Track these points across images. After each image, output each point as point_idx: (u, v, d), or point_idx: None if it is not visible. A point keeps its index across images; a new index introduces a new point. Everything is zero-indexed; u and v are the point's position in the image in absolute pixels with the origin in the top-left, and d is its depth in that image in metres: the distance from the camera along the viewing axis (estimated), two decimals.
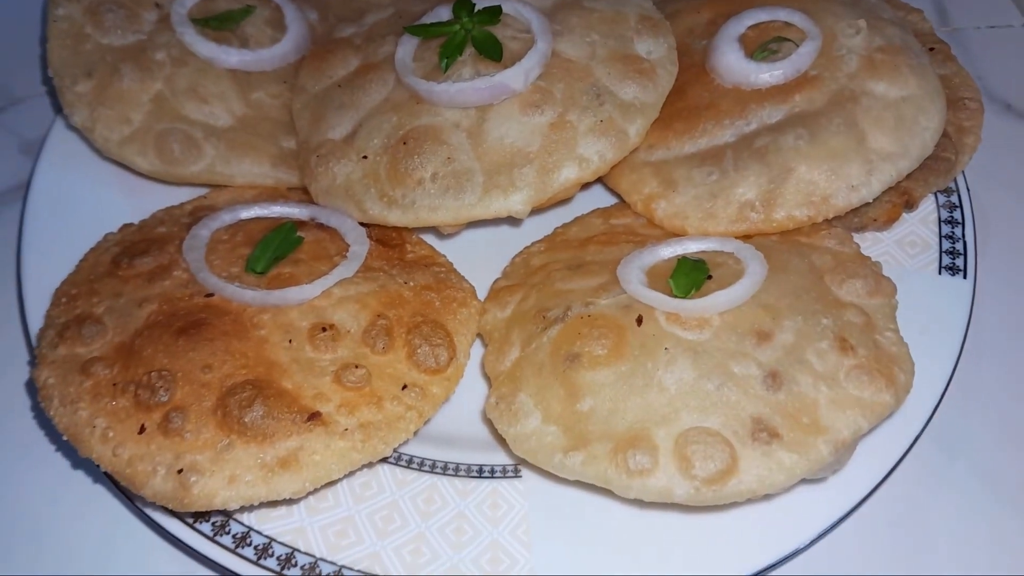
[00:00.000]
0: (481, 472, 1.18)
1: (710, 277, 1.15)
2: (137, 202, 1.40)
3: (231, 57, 1.42)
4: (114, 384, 1.07)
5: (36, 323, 1.25)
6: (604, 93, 1.27)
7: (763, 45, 1.33)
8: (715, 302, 1.10)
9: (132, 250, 1.22)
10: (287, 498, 1.04)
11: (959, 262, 1.32)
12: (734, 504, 1.04)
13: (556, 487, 1.15)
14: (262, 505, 1.07)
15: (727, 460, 1.01)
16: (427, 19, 1.36)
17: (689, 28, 1.44)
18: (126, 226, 1.32)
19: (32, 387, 1.27)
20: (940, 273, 1.30)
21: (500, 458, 1.19)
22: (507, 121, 1.25)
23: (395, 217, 1.25)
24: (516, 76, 1.24)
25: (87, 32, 1.42)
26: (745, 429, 1.03)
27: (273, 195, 1.37)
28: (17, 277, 1.33)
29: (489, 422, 1.16)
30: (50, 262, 1.31)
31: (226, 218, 1.25)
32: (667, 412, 1.05)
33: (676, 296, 1.12)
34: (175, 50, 1.41)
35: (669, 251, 1.21)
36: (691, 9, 1.47)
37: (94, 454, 1.05)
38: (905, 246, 1.34)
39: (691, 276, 1.14)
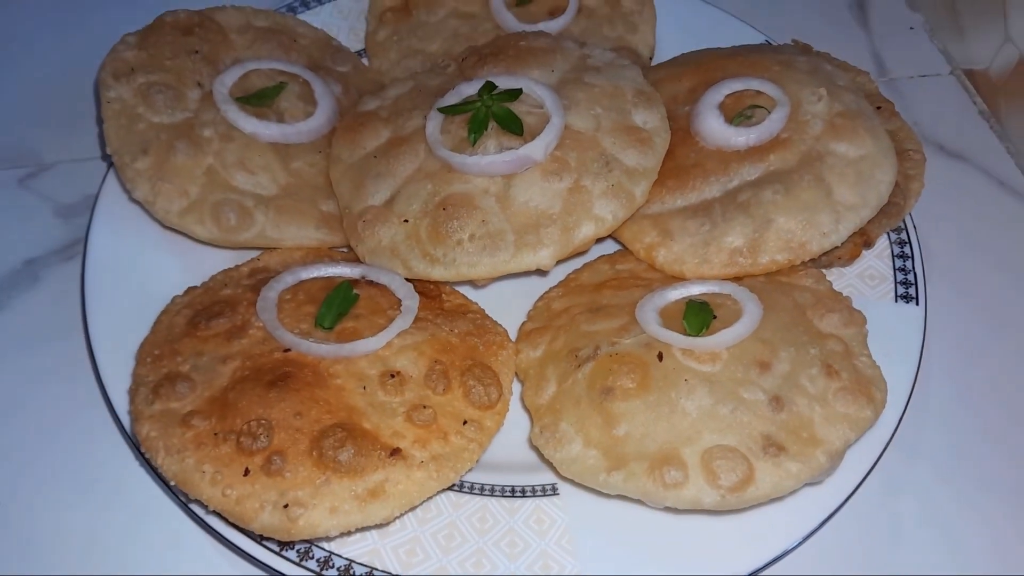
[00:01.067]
0: (524, 492, 1.34)
1: (715, 317, 1.34)
2: (186, 261, 1.53)
3: (272, 131, 1.56)
4: (215, 434, 1.21)
5: (112, 380, 1.37)
6: (612, 160, 1.45)
7: (740, 112, 1.52)
8: (723, 339, 1.28)
9: (207, 312, 1.36)
10: (379, 523, 1.18)
11: (911, 291, 1.51)
12: (748, 508, 1.24)
13: (590, 501, 1.31)
14: (355, 531, 1.21)
15: (746, 471, 1.19)
16: (449, 96, 1.52)
17: (672, 96, 1.62)
18: (191, 289, 1.45)
19: (131, 440, 1.37)
20: (896, 301, 1.49)
21: (539, 479, 1.35)
22: (531, 187, 1.42)
23: (438, 273, 1.41)
24: (537, 149, 1.42)
25: (139, 112, 1.54)
26: (757, 445, 1.21)
27: (319, 255, 1.52)
28: (86, 337, 1.44)
29: (535, 448, 1.33)
30: (114, 321, 1.44)
31: (288, 280, 1.39)
32: (691, 433, 1.22)
33: (689, 335, 1.30)
34: (221, 127, 1.54)
35: (676, 294, 1.39)
36: (672, 78, 1.66)
37: (204, 496, 1.18)
38: (866, 279, 1.53)
39: (700, 316, 1.32)
